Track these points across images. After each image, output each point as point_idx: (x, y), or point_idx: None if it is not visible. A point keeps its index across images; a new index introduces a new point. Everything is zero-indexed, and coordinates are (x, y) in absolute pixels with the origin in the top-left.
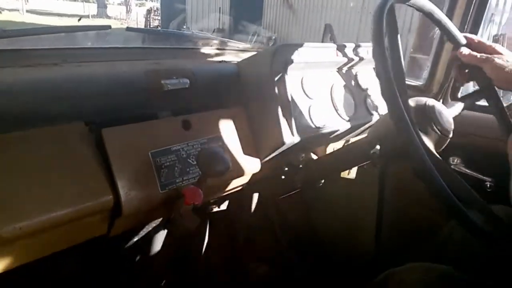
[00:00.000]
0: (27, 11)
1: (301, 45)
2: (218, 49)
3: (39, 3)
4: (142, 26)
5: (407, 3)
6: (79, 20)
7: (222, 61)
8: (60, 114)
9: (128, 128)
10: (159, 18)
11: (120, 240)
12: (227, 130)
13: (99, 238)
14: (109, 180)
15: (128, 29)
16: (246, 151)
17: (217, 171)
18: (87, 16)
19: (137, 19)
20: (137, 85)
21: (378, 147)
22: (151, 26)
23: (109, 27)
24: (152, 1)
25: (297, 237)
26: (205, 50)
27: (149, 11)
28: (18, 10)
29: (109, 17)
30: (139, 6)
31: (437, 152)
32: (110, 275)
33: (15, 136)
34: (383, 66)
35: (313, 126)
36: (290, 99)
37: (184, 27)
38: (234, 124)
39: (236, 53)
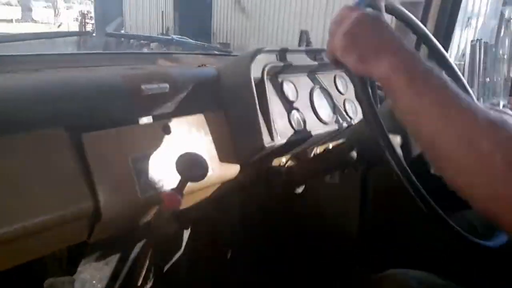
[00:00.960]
0: None
1: (280, 50)
2: (197, 53)
3: None
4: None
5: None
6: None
7: (202, 65)
8: (39, 119)
9: (108, 133)
10: (93, 22)
11: (101, 247)
12: (207, 134)
13: (80, 245)
14: (89, 185)
15: (108, 34)
16: (226, 156)
17: (195, 176)
18: (11, 21)
19: (68, 24)
20: (116, 90)
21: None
22: (85, 30)
23: (91, 33)
24: (80, 4)
25: (279, 242)
26: (184, 54)
27: (84, 15)
28: None
29: (35, 21)
30: (67, 9)
31: (414, 156)
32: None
33: None
34: None
35: (293, 129)
36: (269, 102)
37: (122, 32)
38: (214, 128)
39: (216, 57)
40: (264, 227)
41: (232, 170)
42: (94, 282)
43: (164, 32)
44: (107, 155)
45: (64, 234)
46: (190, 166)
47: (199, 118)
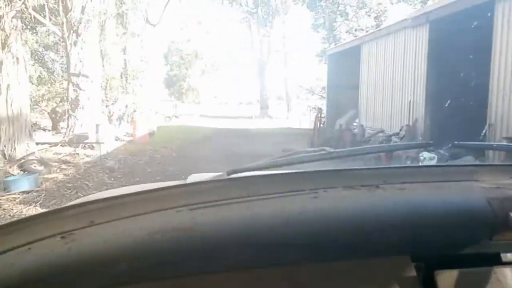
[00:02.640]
0: (200, 115)
1: None
2: None
3: (209, 108)
4: (305, 126)
5: None
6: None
7: None
8: (381, 245)
9: (464, 274)
10: (322, 116)
11: None
12: None
13: None
14: None
15: (455, 145)
16: None
17: None
18: (251, 117)
19: (299, 118)
20: (479, 216)
21: None
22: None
23: (431, 144)
24: (307, 100)
25: None
26: None
27: (319, 109)
28: (193, 115)
29: (270, 117)
30: (297, 104)
31: None
32: None
33: (334, 266)
34: None
35: None
36: None
37: (355, 123)
38: None
39: None
40: None
41: None
42: None
43: (410, 123)
44: None
45: None
46: None
47: None
